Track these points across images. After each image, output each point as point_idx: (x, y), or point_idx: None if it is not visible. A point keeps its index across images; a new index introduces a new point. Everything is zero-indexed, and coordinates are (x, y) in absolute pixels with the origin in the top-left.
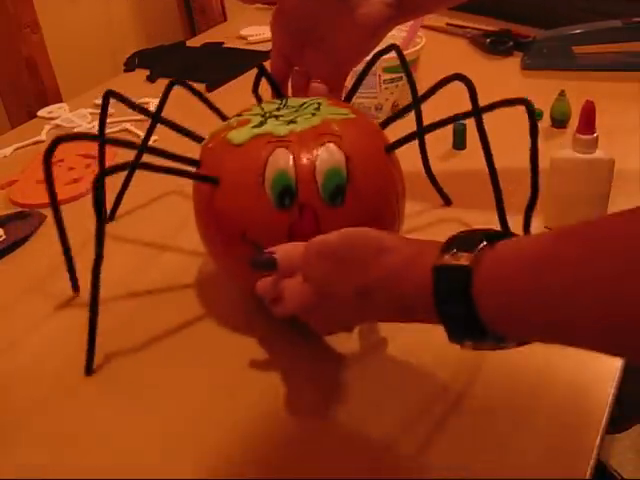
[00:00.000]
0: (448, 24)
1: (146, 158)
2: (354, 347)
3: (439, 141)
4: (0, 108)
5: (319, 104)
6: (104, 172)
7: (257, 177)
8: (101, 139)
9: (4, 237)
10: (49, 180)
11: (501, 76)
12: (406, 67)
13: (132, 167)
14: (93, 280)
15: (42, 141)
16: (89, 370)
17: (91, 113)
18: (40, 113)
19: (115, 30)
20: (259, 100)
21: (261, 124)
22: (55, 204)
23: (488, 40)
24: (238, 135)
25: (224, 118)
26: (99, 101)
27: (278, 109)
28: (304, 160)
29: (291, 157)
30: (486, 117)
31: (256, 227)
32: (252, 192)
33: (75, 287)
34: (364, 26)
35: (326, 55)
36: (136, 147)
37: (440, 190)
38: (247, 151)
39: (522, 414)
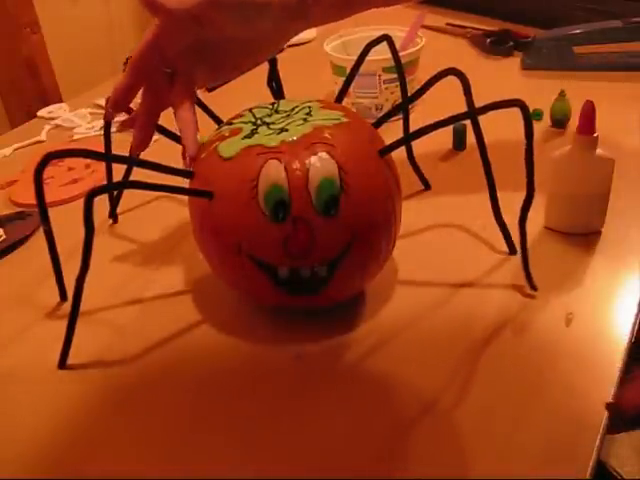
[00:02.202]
0: (448, 24)
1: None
2: (354, 348)
3: (439, 141)
4: (0, 108)
5: (310, 108)
6: (93, 193)
7: (250, 191)
8: (94, 155)
9: (4, 237)
10: (39, 195)
11: (501, 76)
12: (396, 56)
13: (122, 186)
14: (76, 290)
15: (42, 141)
16: (63, 364)
17: (91, 113)
18: (40, 113)
19: (115, 30)
20: (274, 93)
21: (252, 133)
22: (46, 216)
23: (488, 40)
24: (229, 147)
25: (218, 121)
26: (99, 101)
27: (269, 115)
28: (296, 172)
29: (283, 169)
30: (485, 117)
31: (251, 240)
32: (245, 206)
33: (63, 297)
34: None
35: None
36: (128, 161)
37: (421, 175)
38: (239, 164)
39: (522, 414)
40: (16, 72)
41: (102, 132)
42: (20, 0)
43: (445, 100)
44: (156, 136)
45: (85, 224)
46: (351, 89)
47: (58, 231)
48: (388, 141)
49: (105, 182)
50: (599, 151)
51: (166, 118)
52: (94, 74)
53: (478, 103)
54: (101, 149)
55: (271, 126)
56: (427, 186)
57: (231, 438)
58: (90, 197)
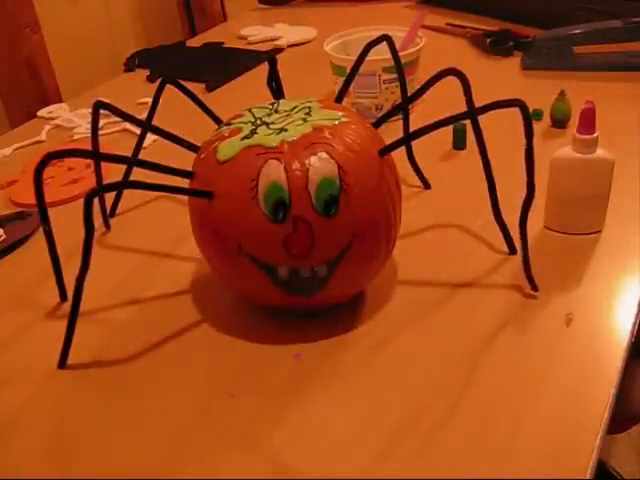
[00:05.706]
0: (448, 24)
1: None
2: (354, 348)
3: (439, 141)
4: (0, 108)
5: (310, 108)
6: (93, 194)
7: (250, 190)
8: (94, 155)
9: (4, 237)
10: (39, 195)
11: (501, 76)
12: (396, 56)
13: (121, 186)
14: (76, 290)
15: (42, 141)
16: (62, 364)
17: (91, 113)
18: (40, 113)
19: (115, 30)
20: (273, 93)
21: (252, 133)
22: (46, 216)
23: (488, 40)
24: (228, 148)
25: (218, 121)
26: None
27: (269, 114)
28: (296, 171)
29: (283, 169)
30: (485, 117)
31: (251, 240)
32: (245, 206)
33: (63, 297)
34: None
35: None
36: (128, 161)
37: (421, 175)
38: (238, 164)
39: (522, 414)
40: (16, 72)
41: (102, 132)
42: (20, 0)
43: (445, 100)
44: (155, 136)
45: (85, 224)
46: (351, 89)
47: (58, 231)
48: (388, 141)
49: (105, 182)
50: (599, 151)
51: (166, 118)
52: (94, 74)
53: (478, 103)
54: (101, 149)
55: (271, 126)
56: (427, 186)
57: (231, 437)
58: (90, 197)
